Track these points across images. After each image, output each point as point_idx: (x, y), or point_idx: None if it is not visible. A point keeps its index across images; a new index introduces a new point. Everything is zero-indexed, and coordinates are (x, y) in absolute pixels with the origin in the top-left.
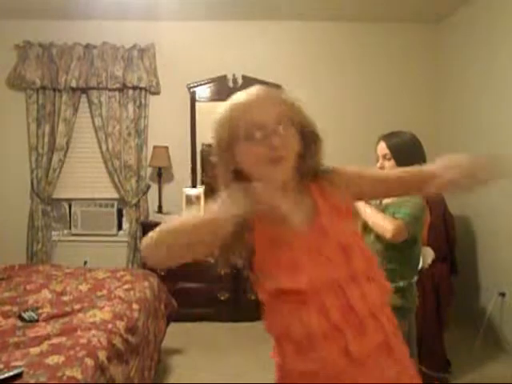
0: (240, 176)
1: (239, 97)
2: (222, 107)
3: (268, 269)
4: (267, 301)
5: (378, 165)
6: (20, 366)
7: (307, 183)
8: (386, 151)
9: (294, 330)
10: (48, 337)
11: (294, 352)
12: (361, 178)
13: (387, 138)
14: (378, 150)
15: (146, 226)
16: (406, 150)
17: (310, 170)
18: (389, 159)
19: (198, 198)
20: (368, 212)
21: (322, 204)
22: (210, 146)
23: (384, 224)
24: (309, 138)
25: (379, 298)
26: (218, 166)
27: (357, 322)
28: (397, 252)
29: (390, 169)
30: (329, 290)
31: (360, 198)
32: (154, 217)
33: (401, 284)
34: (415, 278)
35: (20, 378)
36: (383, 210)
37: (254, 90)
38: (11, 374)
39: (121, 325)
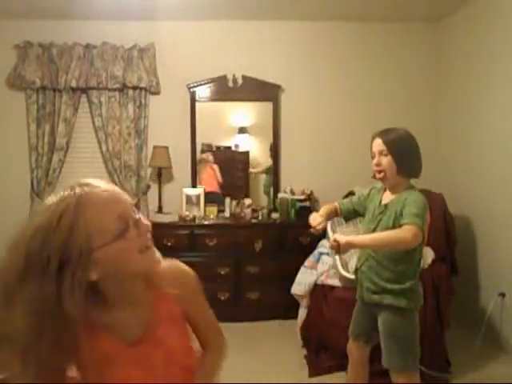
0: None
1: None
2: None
3: None
4: None
5: (375, 161)
6: None
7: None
8: (383, 147)
9: None
10: None
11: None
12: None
13: (383, 134)
14: (373, 147)
15: None
16: (403, 146)
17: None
18: (385, 155)
19: (198, 197)
20: (373, 238)
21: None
22: (209, 145)
23: (401, 237)
24: None
25: None
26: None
27: None
28: (403, 253)
29: (387, 165)
30: None
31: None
32: (154, 217)
33: (407, 285)
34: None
35: None
36: (383, 211)
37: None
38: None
39: None
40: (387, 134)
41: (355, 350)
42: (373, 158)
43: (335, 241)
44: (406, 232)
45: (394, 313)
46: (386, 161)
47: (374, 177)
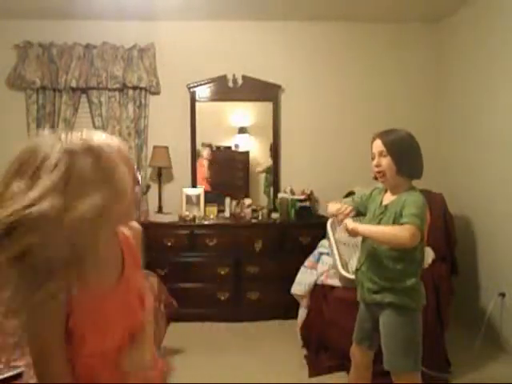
0: None
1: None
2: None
3: (85, 331)
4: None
5: (375, 163)
6: (20, 366)
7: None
8: (382, 148)
9: None
10: None
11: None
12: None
13: (383, 135)
14: (373, 148)
15: (146, 226)
16: (402, 147)
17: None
18: (385, 156)
19: (198, 197)
20: (374, 230)
21: (127, 255)
22: (209, 145)
23: (397, 234)
24: None
25: None
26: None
27: None
28: (403, 252)
29: (386, 166)
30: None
31: None
32: (154, 217)
33: (408, 283)
34: (420, 268)
35: (20, 378)
36: (383, 211)
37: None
38: (11, 374)
39: None
40: (387, 135)
41: (358, 355)
42: (373, 159)
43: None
44: (404, 231)
45: (395, 312)
46: (386, 162)
47: (376, 178)
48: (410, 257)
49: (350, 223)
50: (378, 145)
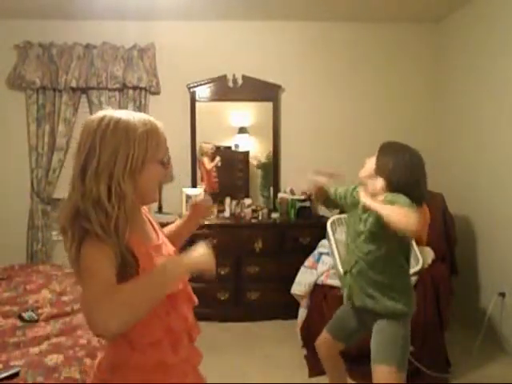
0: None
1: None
2: (147, 121)
3: None
4: None
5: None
6: (17, 366)
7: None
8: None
9: (175, 326)
10: (48, 337)
11: (173, 347)
12: None
13: (381, 151)
14: (367, 160)
15: None
16: (398, 175)
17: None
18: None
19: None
20: (385, 207)
21: (153, 221)
22: (206, 142)
23: (406, 216)
24: None
25: None
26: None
27: None
28: (390, 256)
29: (370, 166)
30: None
31: None
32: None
33: (401, 288)
34: (412, 281)
35: (17, 377)
36: (369, 213)
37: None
38: (8, 373)
39: None
40: (384, 155)
41: (328, 348)
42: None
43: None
44: (412, 215)
45: (388, 317)
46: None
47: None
48: (396, 261)
49: (362, 196)
50: (372, 161)
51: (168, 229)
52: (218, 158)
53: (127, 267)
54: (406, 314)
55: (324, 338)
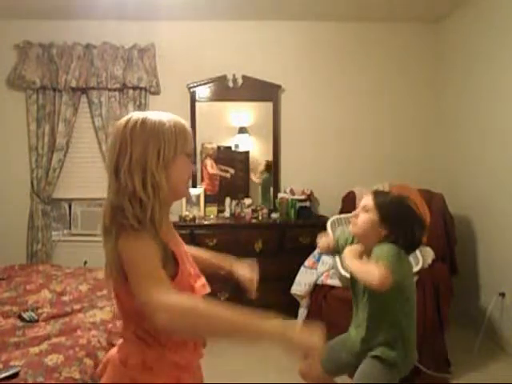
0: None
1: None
2: (173, 118)
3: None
4: None
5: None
6: (17, 366)
7: None
8: (370, 202)
9: None
10: (48, 337)
11: (194, 346)
12: None
13: (376, 194)
14: (362, 201)
15: None
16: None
17: None
18: (367, 211)
19: (198, 197)
20: (354, 263)
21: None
22: (210, 143)
23: (369, 271)
24: None
25: None
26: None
27: None
28: (385, 303)
29: (363, 221)
30: None
31: None
32: None
33: (394, 334)
34: (412, 334)
35: (16, 377)
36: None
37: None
38: (7, 373)
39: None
40: (380, 197)
41: (314, 379)
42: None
43: None
44: (376, 269)
45: (377, 358)
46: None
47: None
48: (403, 310)
49: (345, 255)
50: (368, 199)
51: (192, 250)
52: (231, 171)
53: (168, 263)
54: (395, 366)
55: (316, 372)
